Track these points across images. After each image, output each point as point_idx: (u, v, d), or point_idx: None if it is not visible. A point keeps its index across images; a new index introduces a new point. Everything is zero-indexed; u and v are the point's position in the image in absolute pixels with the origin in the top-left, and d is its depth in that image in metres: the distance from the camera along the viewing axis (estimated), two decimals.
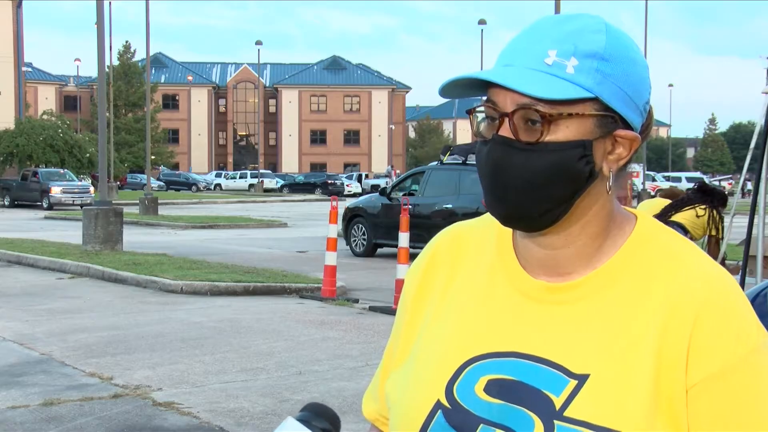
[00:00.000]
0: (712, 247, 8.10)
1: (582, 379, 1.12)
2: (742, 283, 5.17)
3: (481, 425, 1.15)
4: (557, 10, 21.40)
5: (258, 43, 64.40)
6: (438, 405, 1.19)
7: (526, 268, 1.21)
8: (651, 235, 1.20)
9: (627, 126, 1.16)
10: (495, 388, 1.16)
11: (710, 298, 1.11)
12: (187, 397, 6.59)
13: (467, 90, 1.19)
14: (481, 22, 47.65)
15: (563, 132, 1.12)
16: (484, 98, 1.17)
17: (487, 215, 1.29)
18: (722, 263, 8.20)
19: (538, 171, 1.12)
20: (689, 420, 1.09)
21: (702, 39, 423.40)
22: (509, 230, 1.25)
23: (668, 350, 1.10)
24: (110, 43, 43.20)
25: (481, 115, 1.18)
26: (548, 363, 1.14)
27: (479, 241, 1.29)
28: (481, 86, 1.17)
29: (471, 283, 1.26)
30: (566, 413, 1.11)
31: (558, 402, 1.12)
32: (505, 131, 1.13)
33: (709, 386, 1.09)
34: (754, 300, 5.53)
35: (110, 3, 44.74)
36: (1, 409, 6.24)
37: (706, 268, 1.15)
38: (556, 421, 1.11)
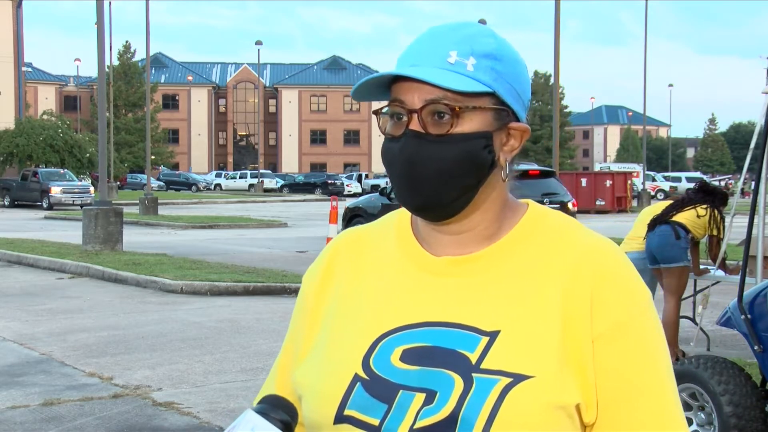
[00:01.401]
0: (713, 246, 8.09)
1: (493, 335, 1.21)
2: (742, 283, 5.15)
3: (401, 391, 1.21)
4: (557, 10, 21.41)
5: (258, 43, 64.30)
6: (356, 378, 1.24)
7: (430, 251, 1.31)
8: (543, 215, 1.32)
9: (517, 120, 1.29)
10: (411, 356, 1.22)
11: (606, 264, 1.25)
12: (187, 397, 6.59)
13: (377, 93, 1.29)
14: (481, 22, 47.70)
15: (468, 124, 1.23)
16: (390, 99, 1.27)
17: (382, 218, 1.41)
18: (722, 263, 8.19)
19: (449, 161, 1.23)
20: (595, 365, 1.21)
21: (702, 39, 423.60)
22: (407, 224, 1.36)
23: (572, 307, 1.22)
24: (110, 43, 43.22)
25: (386, 116, 1.28)
26: (459, 326, 1.23)
27: (378, 239, 1.38)
28: (389, 88, 1.27)
29: (376, 273, 1.33)
30: (482, 366, 1.19)
31: (473, 357, 1.20)
32: (415, 126, 1.23)
33: (613, 335, 1.22)
34: (754, 300, 5.51)
35: (110, 3, 44.75)
36: (1, 409, 6.24)
37: (597, 239, 1.29)
38: (474, 374, 1.19)
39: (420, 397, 1.19)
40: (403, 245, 1.33)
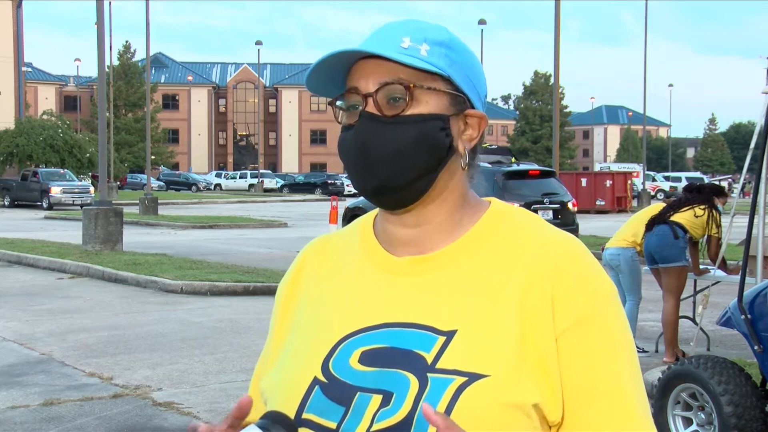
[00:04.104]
0: (712, 246, 8.10)
1: (450, 334, 1.20)
2: (742, 283, 5.15)
3: (358, 393, 1.21)
4: (557, 10, 21.41)
5: (258, 43, 64.28)
6: (315, 381, 1.24)
7: (391, 251, 1.30)
8: (504, 212, 1.32)
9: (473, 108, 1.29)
10: (369, 357, 1.22)
11: (565, 258, 1.24)
12: (187, 397, 6.59)
13: (332, 86, 1.28)
14: (481, 22, 47.62)
15: (424, 106, 1.23)
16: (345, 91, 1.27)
17: (350, 224, 1.42)
18: (722, 263, 8.20)
19: (405, 142, 1.22)
20: (561, 363, 1.19)
21: (702, 39, 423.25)
22: (370, 226, 1.36)
23: (531, 305, 1.21)
24: (110, 43, 43.21)
25: (341, 108, 1.27)
26: (417, 326, 1.22)
27: (344, 244, 1.38)
28: (342, 81, 1.27)
29: (340, 277, 1.34)
30: (438, 366, 1.18)
31: (429, 357, 1.19)
32: (371, 109, 1.23)
33: (575, 331, 1.20)
34: (754, 300, 5.51)
35: (110, 3, 44.73)
36: (1, 409, 6.24)
37: (558, 234, 1.28)
38: (429, 374, 1.18)
39: (377, 399, 1.19)
40: (366, 247, 1.33)
